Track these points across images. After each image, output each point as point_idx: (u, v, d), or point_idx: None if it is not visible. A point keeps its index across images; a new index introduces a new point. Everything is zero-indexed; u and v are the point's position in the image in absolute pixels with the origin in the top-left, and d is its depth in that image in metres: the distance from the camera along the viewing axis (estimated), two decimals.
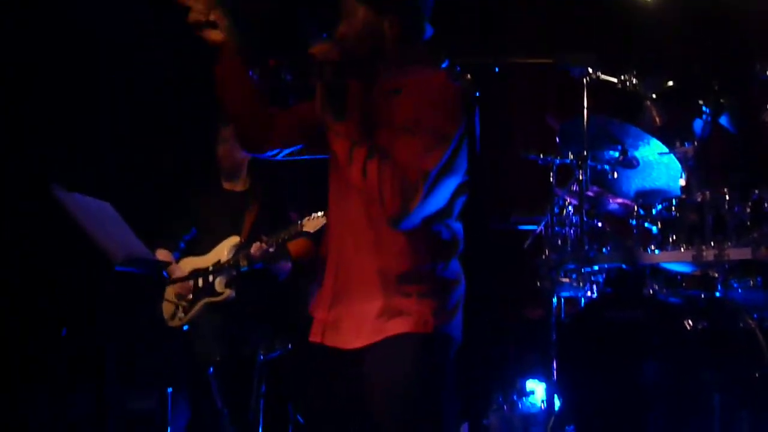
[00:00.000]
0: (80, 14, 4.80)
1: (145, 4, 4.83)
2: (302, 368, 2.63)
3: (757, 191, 3.86)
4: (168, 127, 4.99)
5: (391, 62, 2.53)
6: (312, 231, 4.04)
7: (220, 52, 2.47)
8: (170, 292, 4.25)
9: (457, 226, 2.51)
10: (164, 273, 4.24)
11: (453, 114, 2.37)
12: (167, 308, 4.25)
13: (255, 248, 4.08)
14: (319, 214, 4.02)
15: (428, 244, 2.45)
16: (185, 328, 4.21)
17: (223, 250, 4.26)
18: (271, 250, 4.10)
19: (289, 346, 3.91)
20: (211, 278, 4.18)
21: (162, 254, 4.28)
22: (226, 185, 4.46)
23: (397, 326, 2.37)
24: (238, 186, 4.47)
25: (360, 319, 2.41)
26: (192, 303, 4.21)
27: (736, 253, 3.78)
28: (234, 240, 4.26)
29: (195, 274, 4.22)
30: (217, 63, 2.50)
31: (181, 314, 4.22)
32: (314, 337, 2.48)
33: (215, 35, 2.45)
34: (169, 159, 4.95)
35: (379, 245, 2.42)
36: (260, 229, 4.22)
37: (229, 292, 4.16)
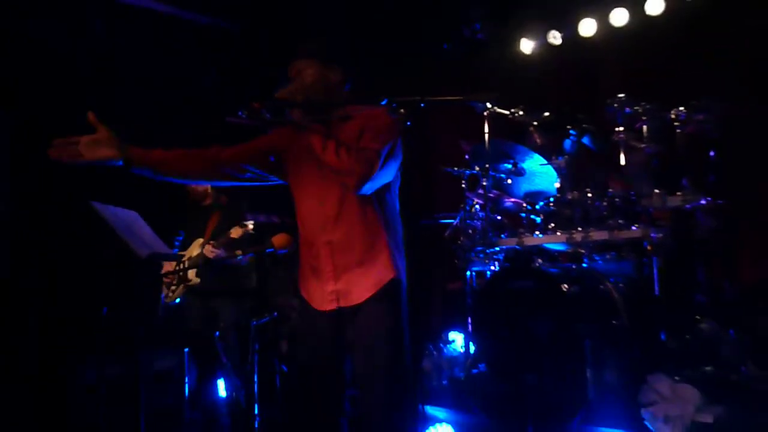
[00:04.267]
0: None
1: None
2: (305, 330, 2.83)
3: (611, 190, 4.34)
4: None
5: (338, 101, 2.78)
6: (235, 237, 4.40)
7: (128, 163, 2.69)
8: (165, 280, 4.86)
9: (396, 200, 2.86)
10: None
11: (392, 127, 2.66)
12: (164, 290, 4.84)
13: (206, 249, 4.63)
14: (247, 223, 4.38)
15: (388, 211, 2.76)
16: (177, 301, 4.69)
17: (193, 249, 4.85)
18: (218, 250, 4.48)
19: (275, 314, 4.39)
20: (184, 268, 4.69)
21: None
22: (200, 203, 5.11)
23: (387, 275, 2.67)
24: (206, 202, 5.09)
25: (365, 278, 2.68)
26: (176, 287, 4.77)
27: (598, 235, 4.27)
28: (200, 240, 4.85)
29: (177, 266, 4.77)
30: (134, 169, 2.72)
31: (170, 294, 4.75)
32: (329, 305, 2.68)
33: (110, 154, 2.65)
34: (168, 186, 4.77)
35: (357, 217, 2.68)
36: (218, 232, 4.70)
37: (197, 280, 4.69)
